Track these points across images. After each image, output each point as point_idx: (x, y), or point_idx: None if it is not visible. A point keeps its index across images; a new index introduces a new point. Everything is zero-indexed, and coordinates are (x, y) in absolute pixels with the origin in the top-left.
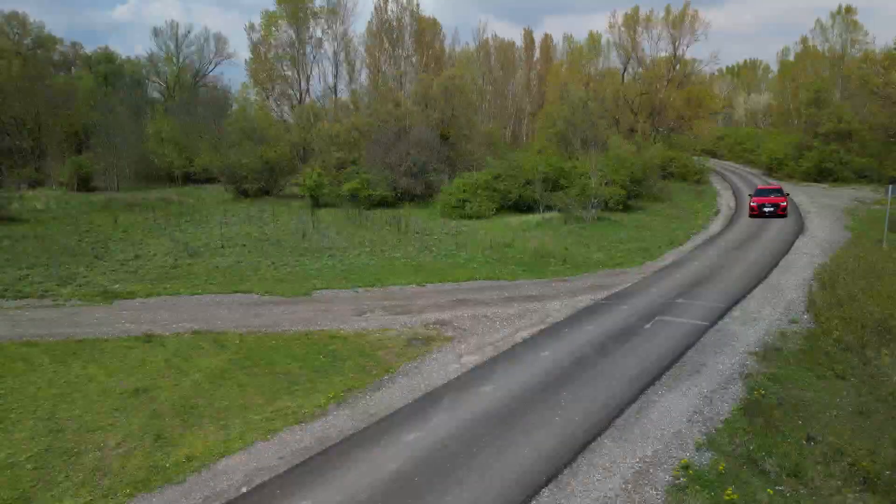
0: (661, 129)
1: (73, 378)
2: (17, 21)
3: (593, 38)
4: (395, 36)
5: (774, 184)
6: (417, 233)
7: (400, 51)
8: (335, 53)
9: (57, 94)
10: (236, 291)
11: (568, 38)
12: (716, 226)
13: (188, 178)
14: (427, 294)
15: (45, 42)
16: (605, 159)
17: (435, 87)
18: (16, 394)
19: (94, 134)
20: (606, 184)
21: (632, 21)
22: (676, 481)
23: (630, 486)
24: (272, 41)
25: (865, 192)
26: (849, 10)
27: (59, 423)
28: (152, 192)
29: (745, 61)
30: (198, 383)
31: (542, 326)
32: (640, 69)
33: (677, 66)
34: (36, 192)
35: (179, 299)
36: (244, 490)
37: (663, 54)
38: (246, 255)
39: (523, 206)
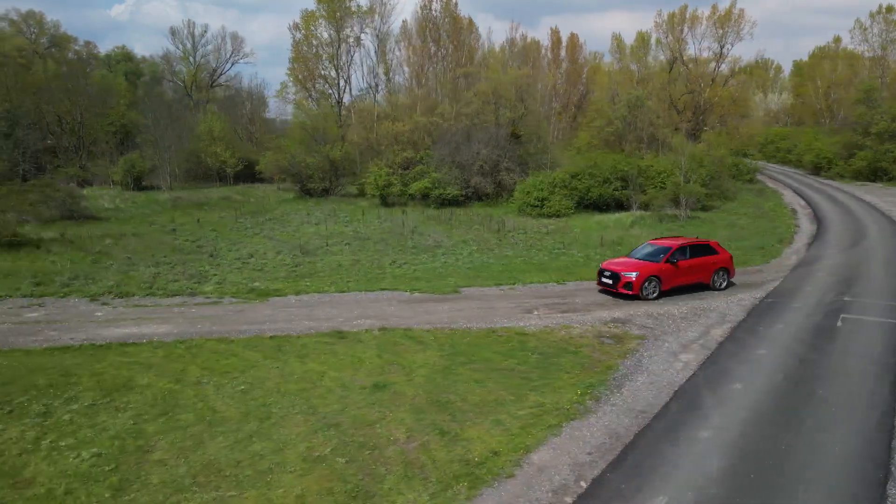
0: (704, 129)
1: (303, 373)
2: (33, 20)
3: (643, 38)
4: (437, 35)
5: (669, 240)
6: (510, 231)
7: (443, 50)
8: (376, 53)
9: (97, 93)
10: (382, 289)
11: (616, 38)
12: (806, 223)
13: (238, 177)
14: (576, 291)
15: (60, 41)
16: (687, 158)
17: (506, 84)
18: (257, 388)
19: (140, 132)
20: (687, 182)
21: (678, 20)
22: None
23: None
24: (313, 41)
25: None
26: (890, 9)
27: (327, 417)
28: (209, 190)
29: (757, 61)
30: (430, 379)
31: (730, 325)
32: (685, 68)
33: (722, 66)
34: (87, 192)
35: (332, 297)
36: (583, 485)
37: (706, 54)
38: (357, 253)
39: (601, 205)
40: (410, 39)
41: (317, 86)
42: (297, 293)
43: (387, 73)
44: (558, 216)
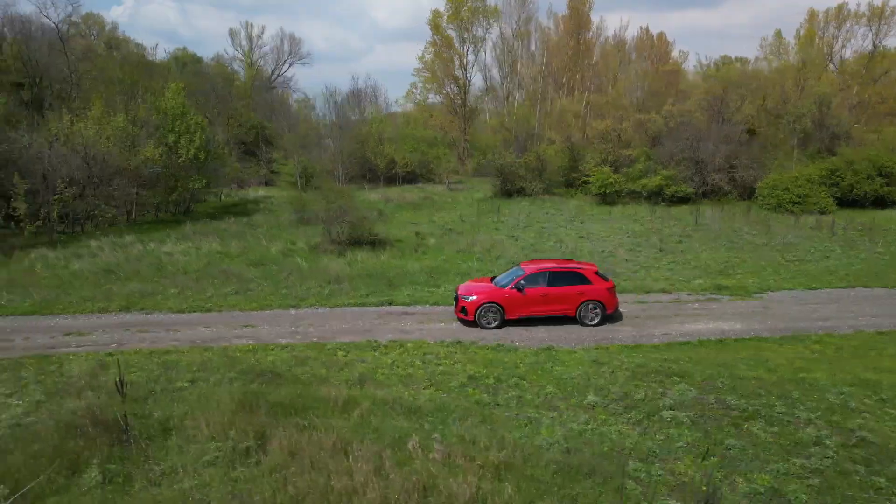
0: (855, 126)
1: None
2: (94, 22)
3: (811, 35)
4: (576, 32)
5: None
6: (812, 228)
7: (582, 46)
8: (503, 52)
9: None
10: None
11: (776, 33)
12: None
13: (393, 177)
14: None
15: (117, 43)
16: None
17: (738, 80)
18: None
19: (276, 134)
20: None
21: (831, 17)
22: None
23: None
24: (441, 39)
25: None
26: None
27: None
28: (382, 190)
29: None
30: None
31: None
32: (835, 65)
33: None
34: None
35: (818, 294)
36: None
37: (849, 53)
38: (720, 251)
39: (862, 202)
40: (552, 36)
41: (450, 88)
42: (774, 290)
43: (509, 74)
44: (821, 213)
